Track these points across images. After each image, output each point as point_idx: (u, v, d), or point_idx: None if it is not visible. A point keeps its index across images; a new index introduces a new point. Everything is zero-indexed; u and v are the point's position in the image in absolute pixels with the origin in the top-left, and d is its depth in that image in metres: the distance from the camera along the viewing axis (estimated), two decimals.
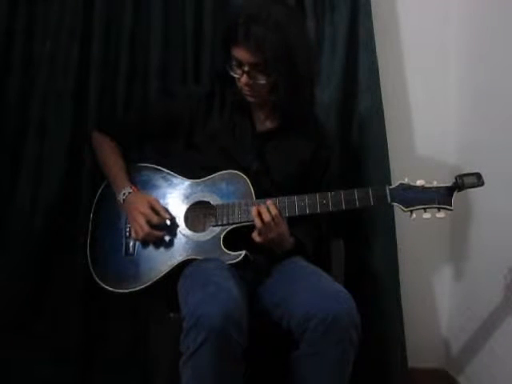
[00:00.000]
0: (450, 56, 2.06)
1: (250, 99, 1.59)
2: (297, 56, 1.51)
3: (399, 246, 1.95)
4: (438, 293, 2.12)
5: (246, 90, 1.56)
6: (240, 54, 1.50)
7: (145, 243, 1.58)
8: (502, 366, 1.73)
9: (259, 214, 1.47)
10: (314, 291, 1.40)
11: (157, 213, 1.55)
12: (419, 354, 2.05)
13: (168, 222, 1.56)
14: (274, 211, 1.47)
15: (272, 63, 1.48)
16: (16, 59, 1.85)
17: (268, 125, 1.65)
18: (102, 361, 1.87)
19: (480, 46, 1.93)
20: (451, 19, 2.05)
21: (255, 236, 1.49)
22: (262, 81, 1.52)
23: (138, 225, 1.54)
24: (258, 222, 1.47)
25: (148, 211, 1.55)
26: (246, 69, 1.51)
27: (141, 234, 1.54)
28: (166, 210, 1.58)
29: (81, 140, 1.85)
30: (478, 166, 1.46)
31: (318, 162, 1.67)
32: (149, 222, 1.54)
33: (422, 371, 2.06)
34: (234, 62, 1.53)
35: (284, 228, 1.51)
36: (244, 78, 1.52)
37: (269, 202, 1.49)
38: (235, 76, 1.54)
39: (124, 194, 1.59)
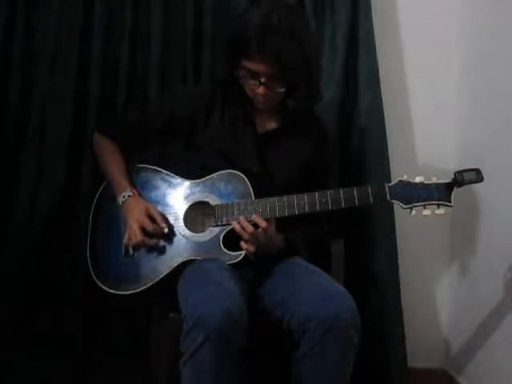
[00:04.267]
0: (450, 56, 2.06)
1: (262, 106, 1.58)
2: (311, 58, 1.51)
3: (399, 246, 1.95)
4: (438, 293, 2.12)
5: (259, 99, 1.55)
6: (255, 66, 1.47)
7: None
8: (502, 366, 1.73)
9: (242, 228, 1.47)
10: (314, 291, 1.39)
11: (153, 220, 1.55)
12: (419, 354, 2.05)
13: (165, 231, 1.56)
14: (263, 224, 1.47)
15: (291, 71, 1.47)
16: (16, 59, 1.85)
17: (269, 126, 1.65)
18: (102, 361, 1.87)
19: (480, 46, 1.93)
20: (451, 19, 2.05)
21: (246, 247, 1.49)
22: (281, 89, 1.51)
23: (132, 231, 1.54)
24: (244, 235, 1.48)
25: (144, 218, 1.54)
26: (263, 80, 1.49)
27: (133, 241, 1.54)
28: (164, 218, 1.58)
29: (81, 140, 1.85)
30: (478, 166, 1.45)
31: (321, 162, 1.67)
32: (143, 230, 1.54)
33: (422, 371, 2.06)
34: (245, 73, 1.50)
35: (271, 230, 1.51)
36: (261, 89, 1.50)
37: (254, 216, 1.49)
38: (251, 87, 1.52)
39: (124, 196, 1.59)
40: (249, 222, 1.49)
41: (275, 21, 1.43)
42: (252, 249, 1.49)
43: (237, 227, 1.49)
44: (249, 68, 1.49)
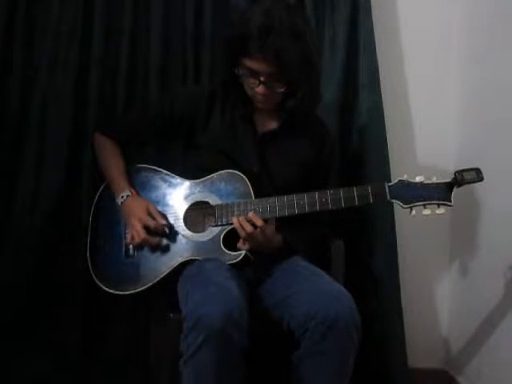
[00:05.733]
0: (449, 56, 2.06)
1: (261, 106, 1.58)
2: (312, 58, 1.52)
3: (399, 246, 1.95)
4: (438, 293, 2.12)
5: (259, 98, 1.55)
6: (256, 64, 1.47)
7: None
8: (502, 366, 1.73)
9: (241, 226, 1.47)
10: (314, 291, 1.39)
11: (154, 219, 1.55)
12: (419, 354, 2.05)
13: (166, 229, 1.56)
14: (259, 223, 1.47)
15: (291, 71, 1.47)
16: (16, 59, 1.85)
17: (269, 126, 1.65)
18: (102, 361, 1.87)
19: (480, 46, 1.93)
20: (451, 19, 2.05)
21: (241, 245, 1.50)
22: (280, 89, 1.51)
23: (135, 230, 1.54)
24: (241, 233, 1.48)
25: (146, 217, 1.55)
26: (263, 79, 1.49)
27: (137, 240, 1.54)
28: (164, 216, 1.58)
29: (81, 139, 1.85)
30: (478, 166, 1.45)
31: (321, 163, 1.67)
32: (146, 228, 1.54)
33: (422, 371, 2.06)
34: (245, 72, 1.51)
35: (270, 230, 1.51)
36: (261, 88, 1.50)
37: (251, 213, 1.48)
38: (251, 86, 1.52)
39: (123, 196, 1.59)
40: (248, 221, 1.49)
41: (276, 20, 1.43)
42: (247, 247, 1.49)
43: (235, 222, 1.48)
44: (249, 67, 1.49)
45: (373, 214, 1.92)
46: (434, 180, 1.46)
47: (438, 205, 1.44)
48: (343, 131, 1.97)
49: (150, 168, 1.68)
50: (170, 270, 1.53)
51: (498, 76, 1.80)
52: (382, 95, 1.94)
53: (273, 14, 1.44)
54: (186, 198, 1.61)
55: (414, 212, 1.45)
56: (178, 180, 1.64)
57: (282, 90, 1.52)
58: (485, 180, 1.43)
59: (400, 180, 1.47)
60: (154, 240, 1.55)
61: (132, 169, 1.68)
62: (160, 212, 1.58)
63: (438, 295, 2.12)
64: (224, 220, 1.54)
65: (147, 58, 1.90)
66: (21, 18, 1.85)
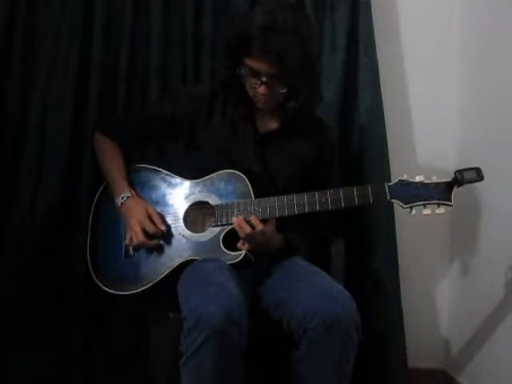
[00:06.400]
0: (450, 56, 2.06)
1: (262, 106, 1.58)
2: (314, 60, 1.51)
3: (399, 246, 1.95)
4: (438, 293, 2.12)
5: (260, 99, 1.54)
6: (258, 65, 1.47)
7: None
8: (501, 366, 1.73)
9: (240, 227, 1.48)
10: (314, 291, 1.39)
11: (153, 223, 1.56)
12: (419, 353, 2.04)
13: (164, 231, 1.56)
14: (259, 227, 1.47)
15: (293, 72, 1.46)
16: (16, 59, 1.85)
17: (270, 126, 1.64)
18: (102, 361, 1.87)
19: (480, 46, 1.93)
20: (451, 19, 2.05)
21: (241, 245, 1.50)
22: (282, 90, 1.51)
23: (134, 232, 1.54)
24: (240, 233, 1.48)
25: (145, 219, 1.55)
26: (265, 79, 1.48)
27: (135, 242, 1.54)
28: (163, 220, 1.58)
29: (81, 140, 1.85)
30: (478, 165, 1.45)
31: (321, 163, 1.67)
32: (144, 231, 1.54)
33: (422, 371, 2.06)
34: (247, 71, 1.50)
35: (269, 230, 1.51)
36: (262, 89, 1.50)
37: (252, 218, 1.48)
38: (252, 86, 1.52)
39: (123, 197, 1.59)
40: (247, 221, 1.49)
41: (280, 21, 1.43)
42: (246, 247, 1.49)
43: (235, 222, 1.49)
44: (251, 67, 1.48)
45: (373, 214, 1.93)
46: (434, 180, 1.45)
47: (438, 204, 1.44)
48: (343, 131, 1.97)
49: (149, 168, 1.68)
50: (170, 270, 1.53)
51: (498, 76, 1.80)
52: (382, 95, 1.95)
53: (276, 14, 1.44)
54: (185, 197, 1.61)
55: (413, 212, 1.45)
56: (178, 180, 1.64)
57: (284, 90, 1.51)
58: (485, 180, 1.43)
59: (400, 180, 1.47)
60: (152, 243, 1.55)
61: (132, 169, 1.68)
62: (159, 215, 1.58)
63: (438, 295, 2.12)
64: (224, 220, 1.53)
65: (147, 58, 1.90)
66: (21, 18, 1.85)
